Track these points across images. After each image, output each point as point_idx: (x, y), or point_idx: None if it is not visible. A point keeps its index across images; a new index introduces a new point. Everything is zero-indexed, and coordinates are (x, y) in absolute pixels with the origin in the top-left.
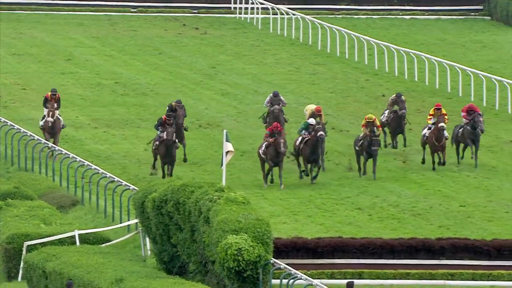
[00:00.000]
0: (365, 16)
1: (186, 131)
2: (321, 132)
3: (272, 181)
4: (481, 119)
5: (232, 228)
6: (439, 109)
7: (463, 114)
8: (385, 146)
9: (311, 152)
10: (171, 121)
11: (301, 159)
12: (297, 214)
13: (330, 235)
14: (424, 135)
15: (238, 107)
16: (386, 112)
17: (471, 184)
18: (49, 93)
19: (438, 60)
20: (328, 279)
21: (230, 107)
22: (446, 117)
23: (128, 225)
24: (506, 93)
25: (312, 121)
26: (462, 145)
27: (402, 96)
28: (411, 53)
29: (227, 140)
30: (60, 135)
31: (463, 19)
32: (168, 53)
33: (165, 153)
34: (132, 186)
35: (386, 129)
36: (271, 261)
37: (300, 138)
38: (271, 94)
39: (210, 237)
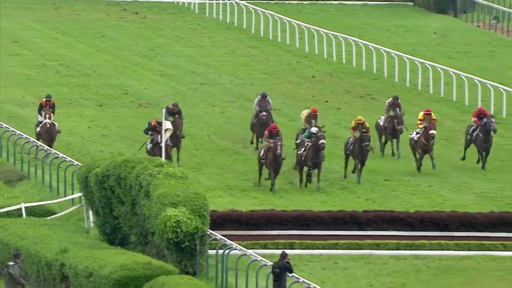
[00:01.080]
0: (296, 2)
1: (183, 138)
2: (322, 141)
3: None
4: (493, 119)
5: (171, 201)
6: (429, 114)
7: (474, 119)
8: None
9: (312, 158)
10: (160, 128)
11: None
12: (232, 188)
13: (264, 208)
14: (412, 138)
15: (176, 87)
16: (383, 117)
17: (395, 160)
18: (44, 99)
19: (364, 43)
20: (262, 249)
21: (169, 87)
22: (435, 123)
23: (72, 198)
24: (428, 75)
25: (314, 129)
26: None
27: (399, 100)
28: (339, 37)
29: (166, 119)
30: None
31: (388, 4)
32: (110, 36)
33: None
34: (76, 162)
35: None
36: (208, 232)
37: (302, 147)
38: (260, 96)
39: (150, 210)
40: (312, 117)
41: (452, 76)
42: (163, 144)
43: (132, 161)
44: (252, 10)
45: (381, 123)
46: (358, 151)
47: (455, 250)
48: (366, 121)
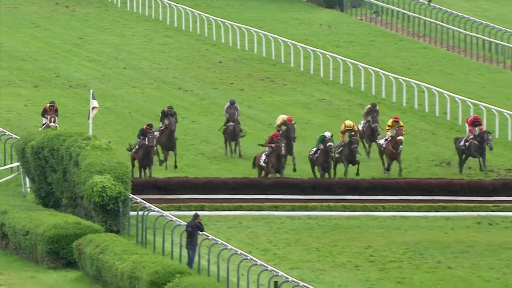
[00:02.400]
0: None
1: (177, 139)
2: (329, 143)
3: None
4: (490, 137)
5: (97, 169)
6: (397, 121)
7: (468, 128)
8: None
9: (324, 160)
10: (152, 130)
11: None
12: None
13: (178, 175)
14: (381, 145)
15: (101, 71)
16: (362, 122)
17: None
18: (48, 105)
19: (264, 33)
20: (176, 211)
21: (95, 70)
22: (403, 130)
23: (11, 167)
24: (319, 61)
25: (327, 133)
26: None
27: (377, 106)
28: (242, 27)
29: (93, 98)
30: None
31: (284, 0)
32: (43, 26)
33: (143, 157)
34: (14, 135)
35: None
36: (130, 196)
37: (313, 149)
38: (228, 103)
39: (79, 177)
40: (286, 124)
41: (339, 62)
42: (90, 120)
43: (63, 135)
44: (167, 5)
45: (360, 128)
46: (347, 153)
47: (342, 211)
48: (354, 125)
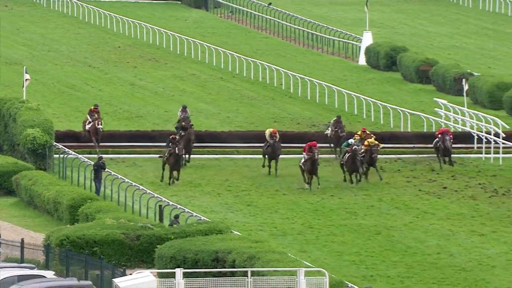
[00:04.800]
0: (108, 0)
1: (193, 144)
2: (355, 146)
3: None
4: (447, 138)
5: (30, 124)
6: (364, 131)
7: (438, 134)
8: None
9: (352, 163)
10: (179, 139)
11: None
12: (70, 116)
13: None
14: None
15: (32, 53)
16: (329, 130)
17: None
18: (92, 107)
19: (151, 26)
20: (87, 154)
21: (28, 52)
22: (372, 136)
23: None
24: (191, 46)
25: (351, 141)
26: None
27: (341, 118)
28: (135, 22)
29: (26, 72)
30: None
31: (164, 2)
32: None
33: (174, 163)
34: None
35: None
36: (53, 144)
37: (345, 154)
38: (181, 107)
39: (16, 130)
40: (273, 135)
41: (205, 47)
42: (24, 88)
43: (4, 99)
44: (80, 5)
45: (328, 133)
46: (368, 158)
47: (207, 155)
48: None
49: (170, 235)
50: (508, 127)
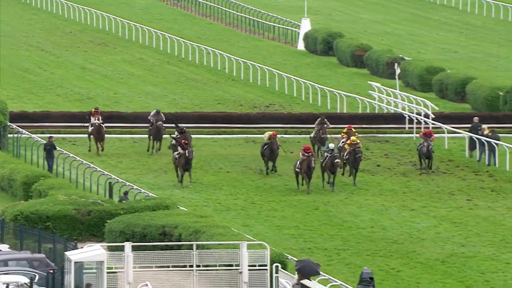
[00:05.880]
0: None
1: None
2: (337, 160)
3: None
4: (432, 143)
5: None
6: (351, 129)
7: (421, 137)
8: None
9: (331, 165)
10: (188, 143)
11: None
12: (23, 97)
13: (42, 109)
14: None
15: None
16: (314, 131)
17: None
18: (93, 110)
19: (101, 13)
20: (40, 134)
21: None
22: (356, 134)
23: None
24: (139, 31)
25: (331, 145)
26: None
27: (325, 119)
28: (86, 9)
29: None
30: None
31: None
32: None
33: (185, 164)
34: None
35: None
36: (8, 124)
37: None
38: (154, 111)
39: None
40: (272, 137)
41: (153, 33)
42: None
43: None
44: None
45: (312, 135)
46: (352, 159)
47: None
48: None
49: (119, 211)
50: (437, 108)
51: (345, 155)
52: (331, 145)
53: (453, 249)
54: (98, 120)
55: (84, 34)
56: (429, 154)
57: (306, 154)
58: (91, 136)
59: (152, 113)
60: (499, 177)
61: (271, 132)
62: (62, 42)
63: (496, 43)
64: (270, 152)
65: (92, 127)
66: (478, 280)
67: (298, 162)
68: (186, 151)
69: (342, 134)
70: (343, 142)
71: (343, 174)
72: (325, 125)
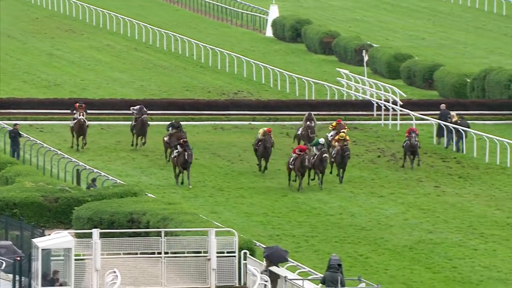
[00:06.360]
0: None
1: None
2: (325, 155)
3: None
4: (417, 138)
5: None
6: (340, 123)
7: (407, 134)
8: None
9: (320, 164)
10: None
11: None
12: None
13: (8, 96)
14: (329, 139)
15: None
16: (301, 128)
17: None
18: (77, 104)
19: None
20: (7, 120)
21: None
22: (346, 128)
23: None
24: (106, 17)
25: (322, 140)
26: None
27: (313, 115)
28: None
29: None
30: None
31: None
32: None
33: (183, 162)
34: None
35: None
36: None
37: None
38: (138, 107)
39: None
40: (267, 134)
41: (120, 19)
42: None
43: None
44: None
45: (299, 132)
46: (340, 159)
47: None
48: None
49: (87, 198)
50: (405, 95)
51: (333, 153)
52: (321, 140)
53: (421, 235)
54: (83, 115)
55: (51, 20)
56: (414, 148)
57: (300, 152)
58: (73, 131)
59: (136, 108)
60: (466, 164)
61: (265, 128)
62: (29, 28)
63: (463, 30)
64: (263, 149)
65: (75, 122)
66: (446, 267)
67: (291, 159)
68: (186, 153)
69: (331, 126)
70: (331, 136)
71: (331, 172)
72: (313, 122)
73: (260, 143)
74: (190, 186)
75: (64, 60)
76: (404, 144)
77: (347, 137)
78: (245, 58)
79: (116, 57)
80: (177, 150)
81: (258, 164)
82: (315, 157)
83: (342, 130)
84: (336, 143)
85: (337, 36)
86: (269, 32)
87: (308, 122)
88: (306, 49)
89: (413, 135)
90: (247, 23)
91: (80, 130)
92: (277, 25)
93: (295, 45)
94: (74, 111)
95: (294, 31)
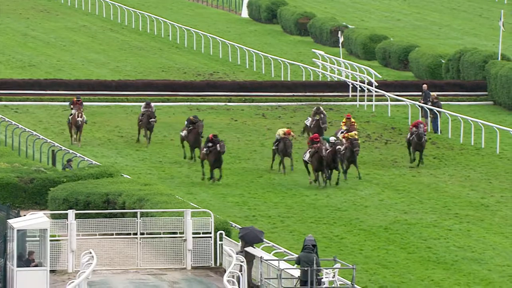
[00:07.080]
0: None
1: (202, 137)
2: (339, 146)
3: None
4: (424, 131)
5: None
6: (349, 118)
7: (411, 128)
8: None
9: (332, 160)
10: (217, 138)
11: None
12: None
13: None
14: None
15: None
16: (309, 120)
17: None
18: (75, 99)
19: None
20: None
21: None
22: (355, 124)
23: None
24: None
25: (332, 139)
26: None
27: (321, 108)
28: None
29: None
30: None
31: None
32: None
33: (214, 161)
34: None
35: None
36: None
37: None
38: (145, 103)
39: None
40: (286, 135)
41: (96, 0)
42: None
43: None
44: None
45: (308, 124)
46: (349, 154)
47: (99, 102)
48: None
49: (62, 178)
50: (380, 76)
51: (341, 149)
52: (332, 139)
53: (395, 216)
54: (79, 111)
55: (26, 1)
56: (421, 146)
57: (315, 145)
58: (70, 125)
59: (142, 105)
60: (441, 145)
61: (285, 129)
62: (3, 8)
63: (438, 11)
64: (283, 148)
65: (71, 116)
66: (420, 247)
67: (307, 152)
68: (218, 145)
69: (342, 123)
70: (341, 132)
71: (343, 168)
72: (323, 115)
73: (279, 142)
74: (219, 181)
75: (40, 41)
76: (410, 138)
77: (357, 136)
78: (220, 39)
79: (91, 38)
80: (207, 146)
81: (278, 164)
82: (328, 153)
83: (354, 132)
84: (344, 140)
85: (312, 17)
86: (244, 13)
87: (318, 116)
88: (281, 30)
89: (421, 128)
90: (222, 4)
91: (75, 124)
92: (252, 6)
93: (271, 26)
94: (72, 106)
95: (270, 12)
